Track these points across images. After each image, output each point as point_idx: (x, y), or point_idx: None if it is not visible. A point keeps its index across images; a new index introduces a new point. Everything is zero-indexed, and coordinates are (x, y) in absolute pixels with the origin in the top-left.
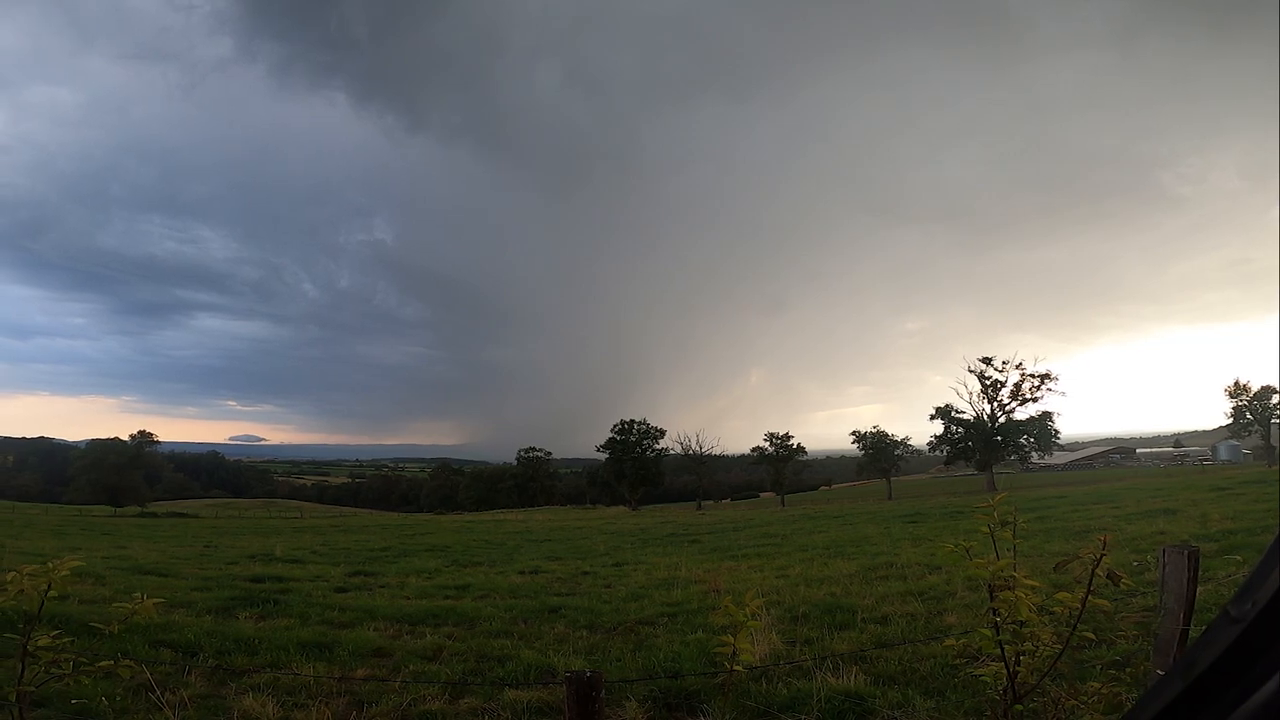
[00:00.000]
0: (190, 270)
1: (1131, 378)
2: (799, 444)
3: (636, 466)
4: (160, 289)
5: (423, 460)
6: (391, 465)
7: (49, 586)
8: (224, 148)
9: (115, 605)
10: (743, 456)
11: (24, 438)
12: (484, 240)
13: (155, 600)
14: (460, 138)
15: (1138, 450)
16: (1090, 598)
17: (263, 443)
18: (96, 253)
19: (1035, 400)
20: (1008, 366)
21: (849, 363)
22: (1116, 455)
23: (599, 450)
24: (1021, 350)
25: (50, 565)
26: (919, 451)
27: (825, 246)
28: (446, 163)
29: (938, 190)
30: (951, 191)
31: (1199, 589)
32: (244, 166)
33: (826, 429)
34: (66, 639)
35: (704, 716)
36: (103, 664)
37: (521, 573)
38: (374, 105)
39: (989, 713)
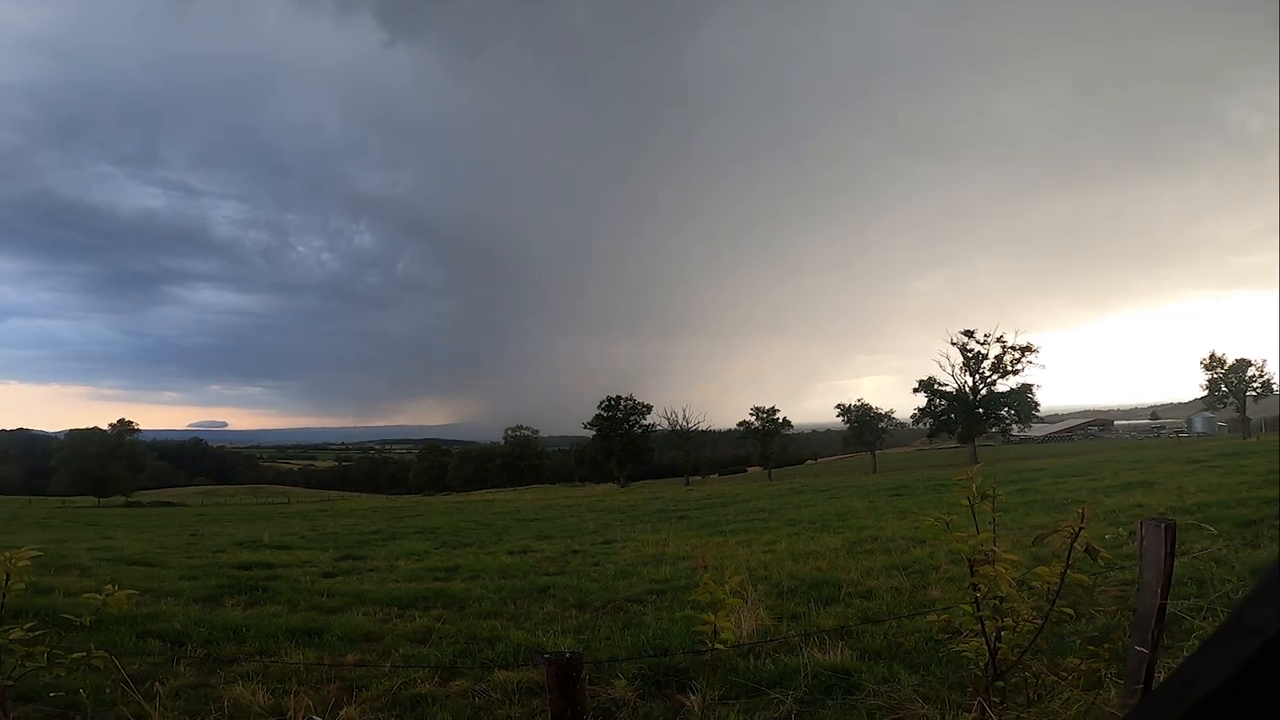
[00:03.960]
0: (183, 234)
1: (1127, 349)
2: (785, 418)
3: (625, 443)
4: (149, 257)
5: (410, 441)
6: (379, 447)
7: (8, 578)
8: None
9: (85, 596)
10: (729, 431)
11: (2, 430)
12: (488, 186)
13: (130, 590)
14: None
15: (1115, 422)
16: (1069, 572)
17: (246, 429)
18: (80, 211)
19: (1016, 373)
20: (989, 339)
21: (853, 331)
22: (1095, 427)
23: (586, 427)
24: (1026, 319)
25: (7, 555)
26: (903, 424)
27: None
28: (442, 116)
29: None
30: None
31: (1175, 562)
32: (241, 103)
33: (830, 401)
34: (42, 631)
35: (692, 693)
36: (75, 656)
37: (511, 553)
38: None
39: (972, 688)
